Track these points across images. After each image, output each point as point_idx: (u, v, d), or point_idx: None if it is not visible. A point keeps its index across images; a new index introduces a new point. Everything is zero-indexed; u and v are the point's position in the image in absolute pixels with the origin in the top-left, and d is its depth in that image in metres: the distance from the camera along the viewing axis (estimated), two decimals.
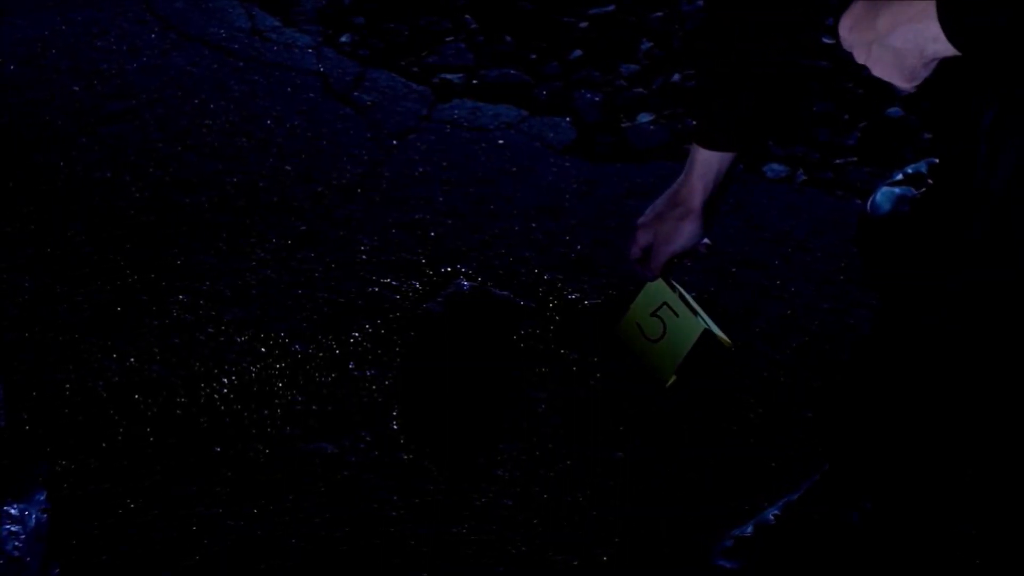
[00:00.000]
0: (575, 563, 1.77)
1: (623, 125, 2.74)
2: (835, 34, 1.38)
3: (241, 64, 2.88)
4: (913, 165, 2.12)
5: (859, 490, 1.69)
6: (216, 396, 2.02)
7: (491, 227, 2.40)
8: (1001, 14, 1.18)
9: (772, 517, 1.74)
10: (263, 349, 2.11)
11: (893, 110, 2.75)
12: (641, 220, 1.95)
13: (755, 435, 1.97)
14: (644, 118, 2.76)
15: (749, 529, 1.75)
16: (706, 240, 1.95)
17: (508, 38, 3.04)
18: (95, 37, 2.96)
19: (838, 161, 2.61)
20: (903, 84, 1.35)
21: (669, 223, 1.88)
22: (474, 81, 2.88)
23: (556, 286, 2.26)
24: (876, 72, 1.36)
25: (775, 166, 2.59)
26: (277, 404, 2.01)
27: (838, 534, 1.70)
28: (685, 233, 1.88)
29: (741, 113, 1.75)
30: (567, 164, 2.58)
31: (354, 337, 2.14)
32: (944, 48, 1.27)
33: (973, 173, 1.39)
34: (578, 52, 2.99)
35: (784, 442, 1.96)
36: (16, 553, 1.69)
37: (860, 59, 1.36)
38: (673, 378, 1.99)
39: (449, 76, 2.89)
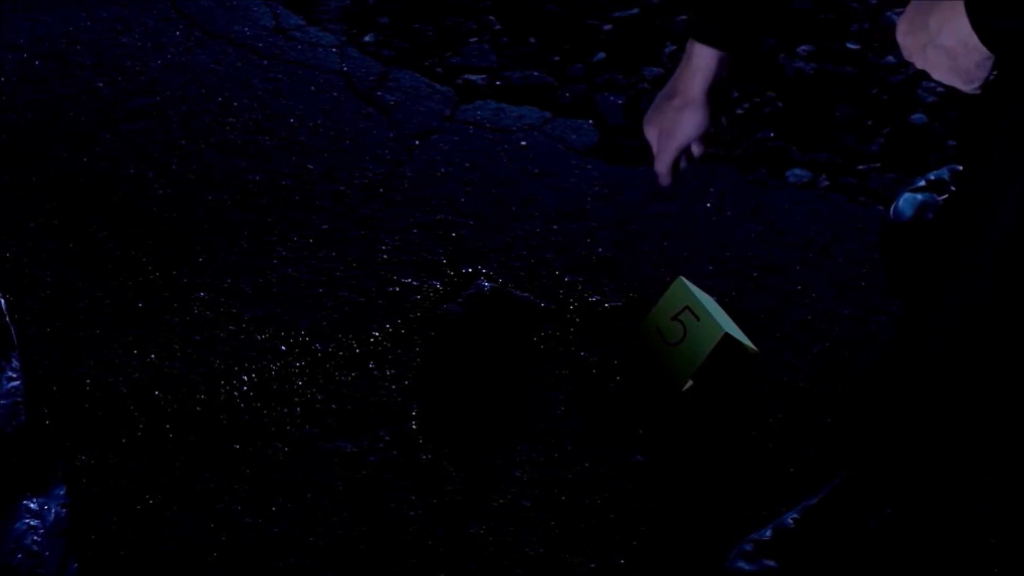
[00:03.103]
0: (592, 566, 1.77)
1: None
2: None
3: (265, 62, 2.89)
4: (936, 171, 2.11)
5: (879, 496, 1.69)
6: (236, 393, 2.02)
7: (512, 228, 2.40)
8: (1020, 17, 1.19)
9: (791, 521, 1.74)
10: (283, 347, 2.11)
11: (917, 116, 2.74)
12: (645, 118, 1.90)
13: (774, 440, 1.97)
14: None
15: (768, 533, 1.74)
16: (724, 122, 1.88)
17: (532, 40, 3.04)
18: (120, 34, 2.97)
19: (861, 167, 2.60)
20: (962, 86, 1.35)
21: (669, 115, 1.84)
22: (497, 82, 2.88)
23: (577, 288, 2.25)
24: (935, 76, 1.35)
25: (797, 171, 2.58)
26: (296, 402, 2.01)
27: (857, 539, 1.69)
28: (687, 123, 1.83)
29: (732, 6, 1.71)
30: (589, 167, 2.58)
31: (374, 336, 2.14)
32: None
33: (994, 178, 1.39)
34: (602, 55, 2.99)
35: (804, 447, 1.96)
36: (35, 548, 1.70)
37: (919, 64, 1.36)
38: (689, 383, 1.99)
39: (472, 77, 2.89)
